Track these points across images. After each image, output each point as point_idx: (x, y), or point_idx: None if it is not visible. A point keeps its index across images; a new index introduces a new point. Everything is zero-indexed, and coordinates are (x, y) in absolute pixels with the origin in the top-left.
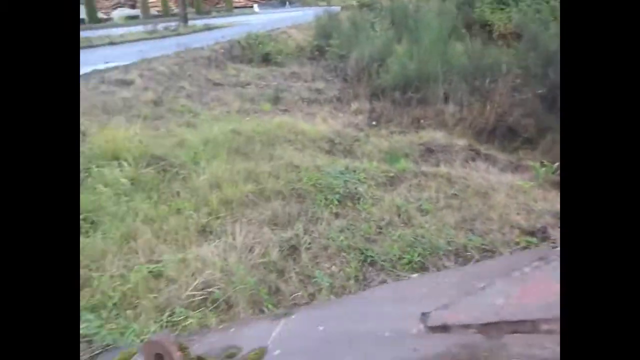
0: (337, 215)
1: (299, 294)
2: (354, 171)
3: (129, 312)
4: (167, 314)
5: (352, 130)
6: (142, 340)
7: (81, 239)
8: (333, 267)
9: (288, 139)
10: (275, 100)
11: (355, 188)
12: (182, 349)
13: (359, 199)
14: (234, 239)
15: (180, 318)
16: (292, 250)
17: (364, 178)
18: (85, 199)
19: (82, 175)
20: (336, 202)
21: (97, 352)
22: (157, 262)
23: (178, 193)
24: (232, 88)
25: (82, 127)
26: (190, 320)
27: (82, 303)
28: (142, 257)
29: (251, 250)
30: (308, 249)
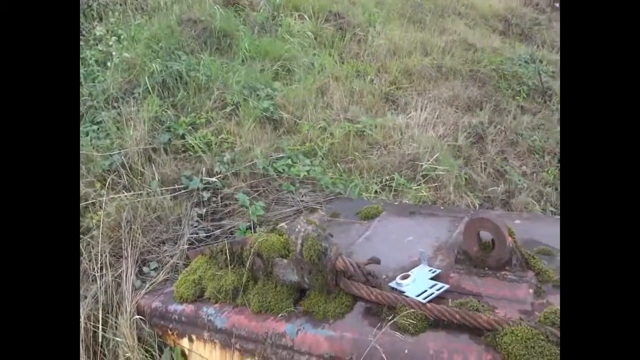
0: (523, 109)
1: (494, 188)
2: (540, 61)
3: (340, 165)
4: (384, 177)
5: (530, 10)
6: (369, 197)
7: (283, 86)
8: (524, 167)
9: (457, 11)
10: None
11: (546, 82)
12: (512, 233)
13: (550, 95)
14: (419, 113)
15: (397, 185)
16: (478, 138)
17: (553, 72)
18: (278, 46)
19: (271, 23)
20: (524, 95)
21: (331, 198)
22: (355, 122)
23: (357, 54)
24: None
25: None
26: (408, 190)
27: (295, 147)
28: (339, 113)
29: (435, 129)
30: (493, 140)
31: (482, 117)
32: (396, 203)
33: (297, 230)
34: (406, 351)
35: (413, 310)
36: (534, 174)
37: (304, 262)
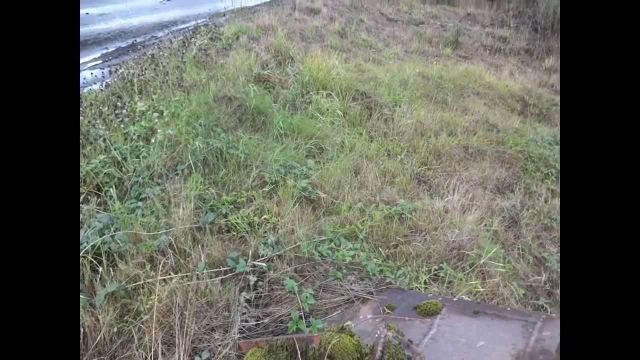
0: (554, 193)
1: (537, 277)
2: None
3: (383, 250)
4: (433, 266)
5: (546, 91)
6: (420, 288)
7: (317, 164)
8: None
9: (476, 91)
10: (455, 44)
11: None
12: None
13: None
14: (454, 197)
15: (447, 275)
16: (512, 222)
17: None
18: (310, 124)
19: (302, 99)
20: (553, 178)
21: (382, 288)
22: (391, 203)
23: (385, 133)
24: (406, 25)
25: (290, 52)
26: (460, 282)
27: (336, 229)
28: (374, 194)
29: (470, 212)
30: (527, 225)
31: (514, 200)
32: (455, 299)
33: (376, 335)
34: None
35: None
36: None
37: None
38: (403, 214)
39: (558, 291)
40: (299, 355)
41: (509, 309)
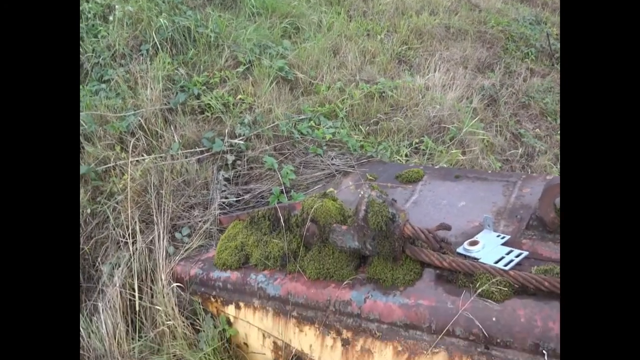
0: (533, 72)
1: (513, 151)
2: (545, 23)
3: (363, 127)
4: (414, 140)
5: None
6: (401, 161)
7: (294, 44)
8: (537, 130)
9: None
10: None
11: (553, 44)
12: None
13: (558, 58)
14: (435, 75)
15: (428, 147)
16: (491, 100)
17: (557, 34)
18: (285, 2)
19: None
20: (532, 57)
21: (364, 161)
22: (371, 82)
23: (365, 12)
24: None
25: None
26: (439, 153)
27: (315, 108)
28: (354, 73)
29: (451, 90)
30: (506, 103)
31: (494, 79)
32: (436, 167)
33: (360, 195)
34: (494, 318)
35: (496, 277)
36: (548, 137)
37: (368, 228)
38: (384, 91)
39: (532, 164)
40: (282, 222)
41: (489, 171)
